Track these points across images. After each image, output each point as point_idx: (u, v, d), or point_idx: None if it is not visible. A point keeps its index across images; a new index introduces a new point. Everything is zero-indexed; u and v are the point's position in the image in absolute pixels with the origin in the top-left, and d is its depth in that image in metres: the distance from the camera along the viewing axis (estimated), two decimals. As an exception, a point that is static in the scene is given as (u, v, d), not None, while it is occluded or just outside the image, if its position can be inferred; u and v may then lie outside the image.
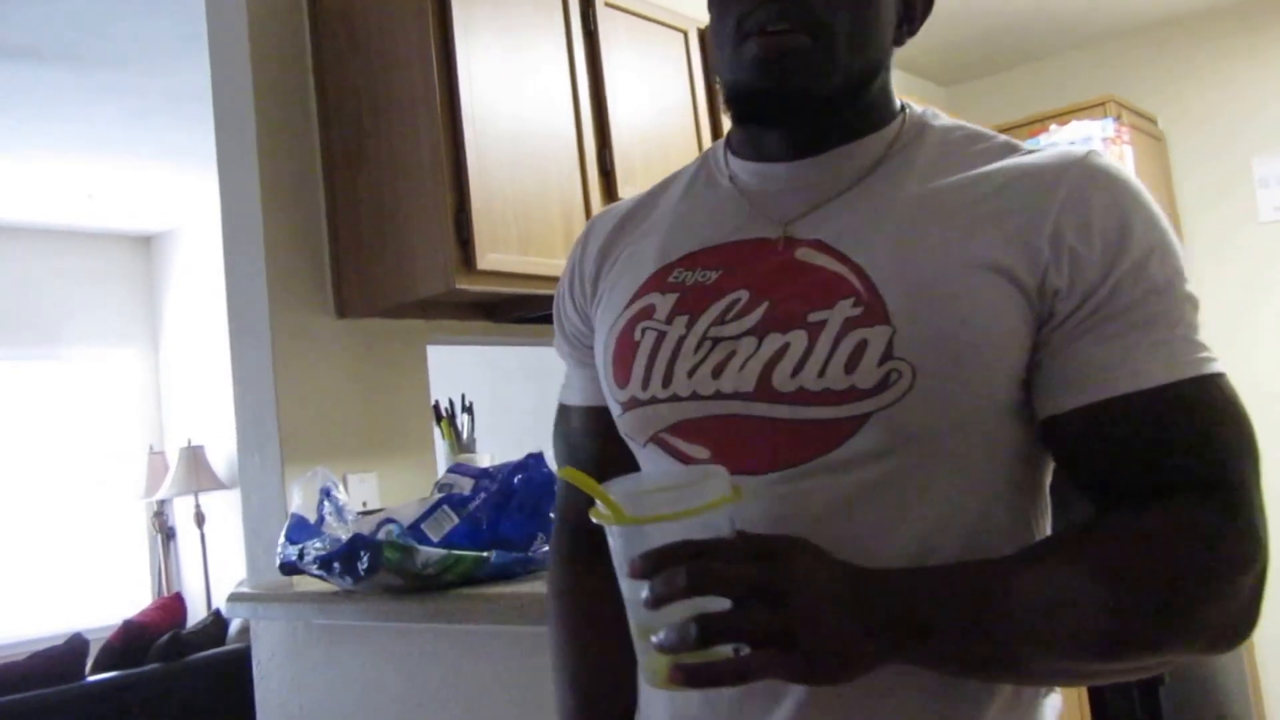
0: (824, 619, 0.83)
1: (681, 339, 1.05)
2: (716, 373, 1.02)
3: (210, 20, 2.79)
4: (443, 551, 1.97)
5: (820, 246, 1.03)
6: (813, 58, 1.02)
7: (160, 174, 6.37)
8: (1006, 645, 0.90)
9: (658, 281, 1.10)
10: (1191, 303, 0.97)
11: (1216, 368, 0.96)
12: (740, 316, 1.03)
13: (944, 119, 1.12)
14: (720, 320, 1.04)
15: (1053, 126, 4.34)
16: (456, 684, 2.08)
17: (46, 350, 7.18)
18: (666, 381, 1.05)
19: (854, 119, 1.08)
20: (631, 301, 1.12)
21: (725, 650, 0.81)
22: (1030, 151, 1.04)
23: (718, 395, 1.02)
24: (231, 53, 2.70)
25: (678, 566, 0.81)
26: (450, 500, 2.12)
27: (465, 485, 2.18)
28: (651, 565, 0.82)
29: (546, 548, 2.06)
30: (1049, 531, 1.08)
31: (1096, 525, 0.96)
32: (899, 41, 1.11)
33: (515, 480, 2.12)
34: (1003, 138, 1.07)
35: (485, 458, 2.86)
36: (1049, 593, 0.89)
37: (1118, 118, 4.51)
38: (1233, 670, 4.24)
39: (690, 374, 1.04)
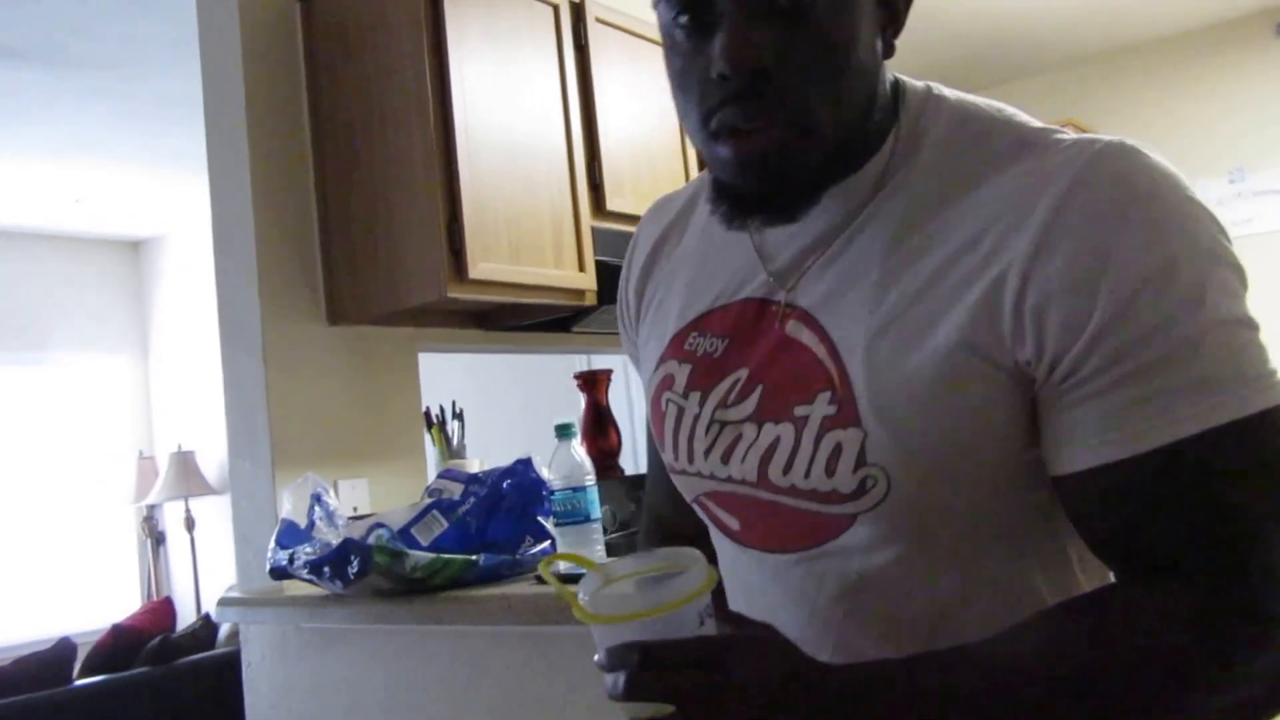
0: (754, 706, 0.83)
1: (696, 418, 1.08)
2: (725, 458, 1.05)
3: (201, 24, 2.79)
4: (431, 555, 2.00)
5: (805, 319, 1.00)
6: (797, 149, 0.94)
7: (149, 179, 6.35)
8: None
9: (676, 348, 1.12)
10: (1213, 329, 0.84)
11: (1241, 411, 0.82)
12: (740, 401, 1.04)
13: (949, 107, 1.04)
14: (724, 403, 1.05)
15: (1014, 148, 4.48)
16: (446, 685, 2.11)
17: (35, 355, 7.18)
18: (690, 458, 1.09)
19: (851, 155, 0.99)
20: (658, 366, 1.15)
21: None
22: (1041, 149, 0.95)
23: (729, 480, 1.05)
24: (223, 57, 2.72)
25: (620, 672, 0.85)
26: (440, 505, 2.15)
27: (455, 490, 2.21)
28: (606, 664, 0.87)
29: (534, 550, 2.10)
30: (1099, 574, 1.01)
31: (1078, 613, 0.89)
32: (888, 53, 1.01)
33: (504, 485, 2.15)
34: (1014, 135, 0.99)
35: (475, 463, 2.89)
36: (1007, 703, 0.85)
37: (1076, 140, 4.69)
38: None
39: (706, 455, 1.07)
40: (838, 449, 0.95)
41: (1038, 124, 1.01)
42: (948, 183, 0.97)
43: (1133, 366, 0.84)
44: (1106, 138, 0.93)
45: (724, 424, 1.05)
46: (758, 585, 1.08)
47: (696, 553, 0.90)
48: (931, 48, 5.23)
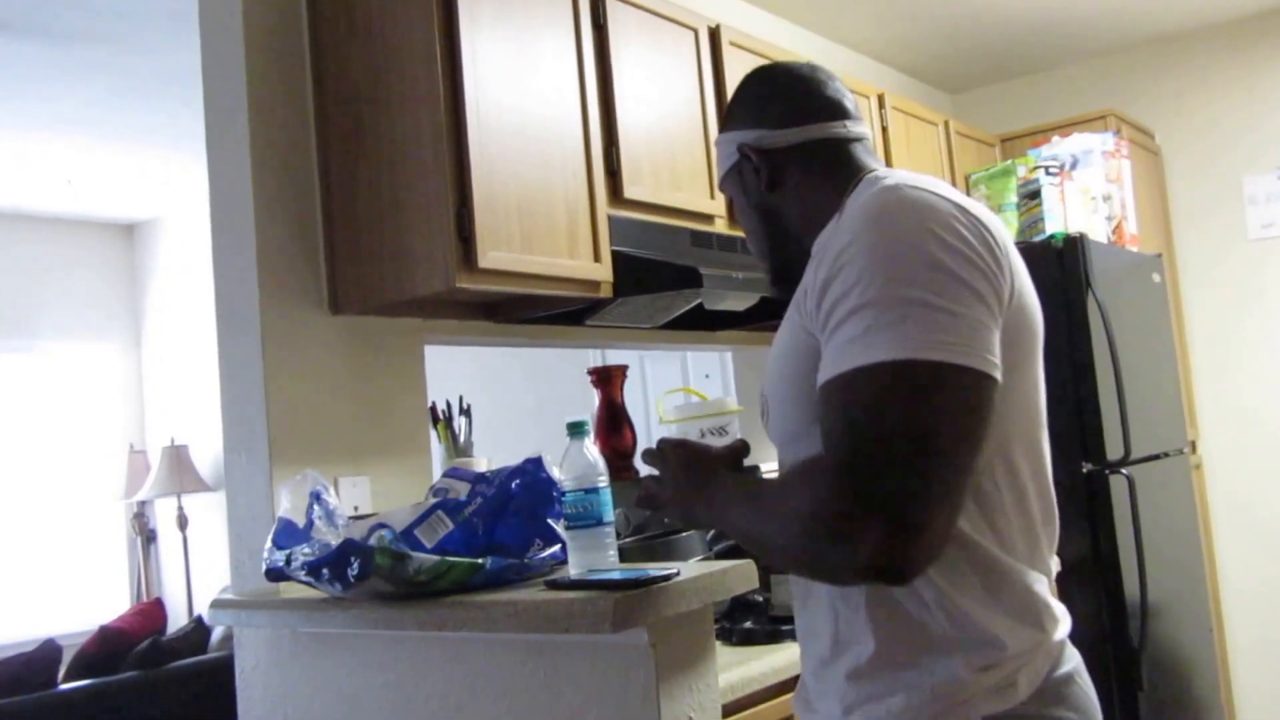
0: (665, 486, 1.68)
1: None
2: None
3: (201, -4, 2.79)
4: (436, 558, 1.99)
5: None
6: (763, 271, 1.83)
7: (144, 159, 6.37)
8: (729, 530, 1.59)
9: None
10: (865, 307, 1.35)
11: (854, 364, 1.33)
12: None
13: (867, 187, 1.57)
14: None
15: (1055, 138, 4.50)
16: (448, 694, 2.11)
17: (21, 343, 7.21)
18: None
19: (802, 257, 1.60)
20: None
21: None
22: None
23: None
24: (223, 31, 2.71)
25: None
26: (445, 505, 2.15)
27: (461, 490, 2.21)
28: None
29: (543, 554, 2.09)
30: None
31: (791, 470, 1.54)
32: (779, 188, 1.71)
33: (513, 485, 2.15)
34: (864, 196, 1.52)
35: (482, 462, 2.89)
36: (742, 513, 1.52)
37: (1117, 131, 4.74)
38: (1207, 677, 4.35)
39: None
40: (761, 389, 1.69)
41: (892, 183, 1.51)
42: (829, 228, 1.55)
43: (830, 327, 1.39)
44: (883, 184, 1.52)
45: None
46: None
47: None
48: (969, 34, 5.21)
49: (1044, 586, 1.54)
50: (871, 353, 1.31)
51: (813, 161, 1.68)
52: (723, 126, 1.79)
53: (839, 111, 1.70)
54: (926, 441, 1.28)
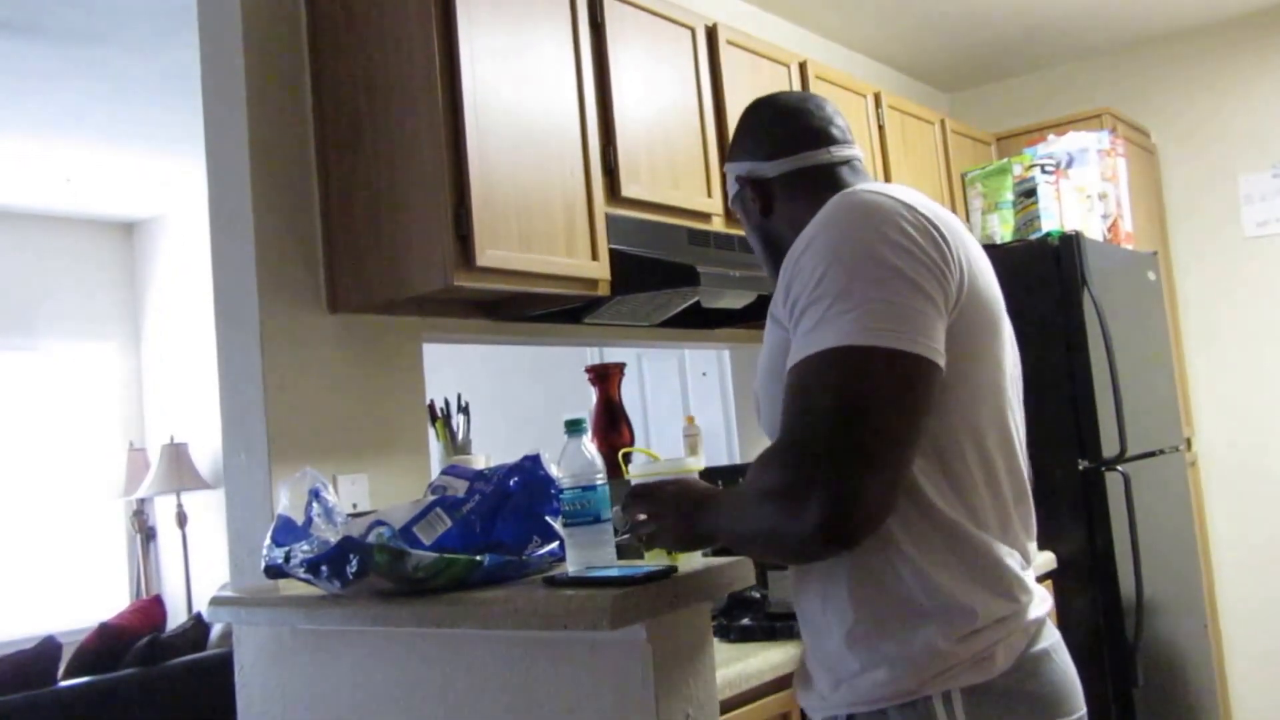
0: (666, 517, 1.77)
1: None
2: None
3: (201, -4, 2.79)
4: (434, 555, 1.99)
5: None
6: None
7: (143, 157, 6.37)
8: (729, 540, 1.69)
9: None
10: (816, 302, 1.50)
11: (804, 354, 1.48)
12: None
13: (834, 197, 1.68)
14: None
15: (1051, 136, 4.50)
16: (446, 691, 2.11)
17: (21, 341, 7.20)
18: None
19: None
20: None
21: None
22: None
23: None
24: (222, 30, 2.71)
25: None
26: (443, 502, 2.15)
27: (459, 487, 2.21)
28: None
29: (541, 551, 2.09)
30: None
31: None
32: (770, 212, 1.88)
33: (511, 483, 2.15)
34: (822, 210, 1.64)
35: (480, 459, 2.89)
36: (727, 517, 1.66)
37: (1113, 130, 4.76)
38: (1203, 673, 4.37)
39: None
40: (754, 386, 1.81)
41: (850, 191, 1.67)
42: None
43: (793, 324, 1.54)
44: (842, 192, 1.68)
45: None
46: None
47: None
48: (965, 32, 5.21)
49: (1016, 561, 1.63)
50: (817, 343, 1.47)
51: (799, 187, 1.84)
52: (728, 157, 1.97)
53: (824, 139, 1.85)
54: (857, 417, 1.42)
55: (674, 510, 1.76)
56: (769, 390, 1.68)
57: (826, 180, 1.82)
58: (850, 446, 1.40)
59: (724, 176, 2.00)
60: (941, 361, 1.49)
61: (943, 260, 1.53)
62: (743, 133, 1.94)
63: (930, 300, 1.50)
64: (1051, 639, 1.64)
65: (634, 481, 1.91)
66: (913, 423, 1.46)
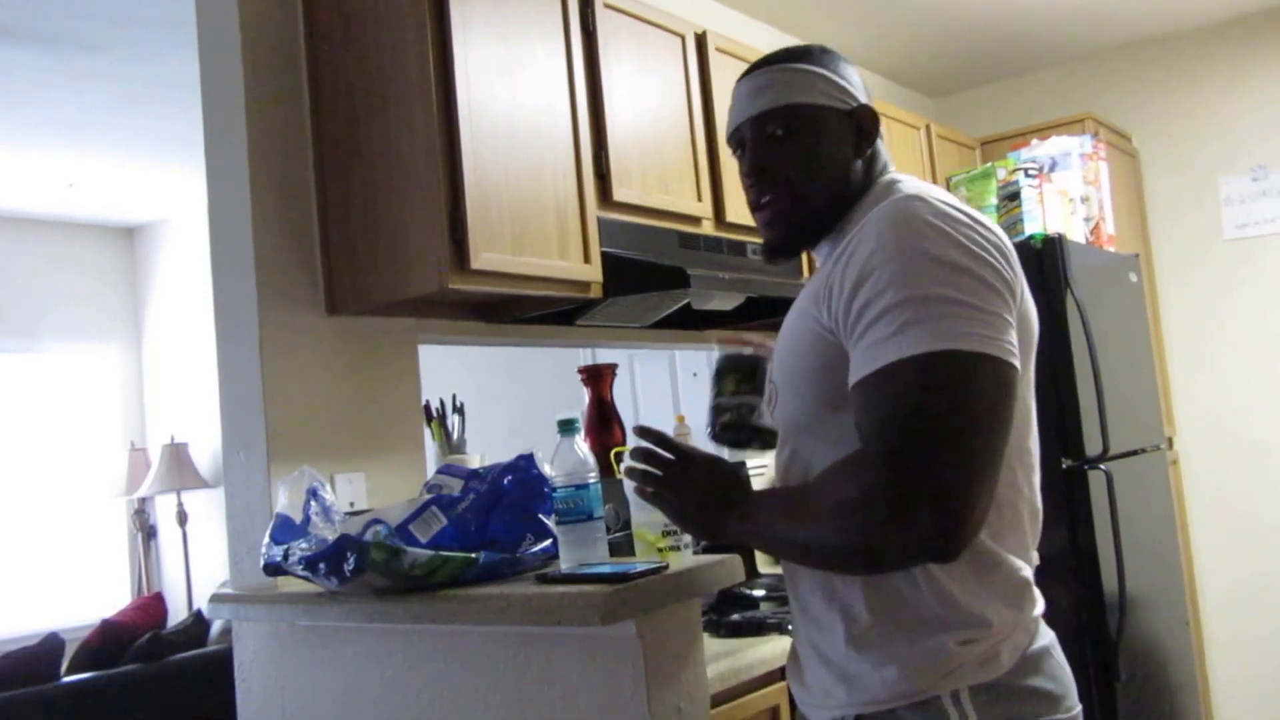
0: (689, 500, 1.70)
1: None
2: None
3: (199, 5, 2.78)
4: (430, 552, 2.00)
5: (790, 308, 1.74)
6: (789, 212, 1.72)
7: (144, 164, 6.36)
8: (766, 543, 1.70)
9: None
10: (897, 307, 1.41)
11: (890, 358, 1.40)
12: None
13: (885, 189, 1.68)
14: None
15: (1034, 141, 4.52)
16: (442, 686, 2.11)
17: (24, 343, 7.19)
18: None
19: (834, 219, 1.72)
20: None
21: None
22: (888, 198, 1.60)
23: None
24: (221, 39, 2.71)
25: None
26: (439, 501, 2.15)
27: (454, 486, 2.21)
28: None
29: (535, 548, 2.10)
30: None
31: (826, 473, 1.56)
32: (860, 153, 1.72)
33: (505, 481, 2.15)
34: (890, 199, 1.58)
35: (475, 458, 2.89)
36: (780, 522, 1.59)
37: (1095, 134, 4.78)
38: (1184, 668, 4.38)
39: None
40: (769, 375, 1.77)
41: (912, 193, 1.58)
42: (853, 228, 1.59)
43: (860, 328, 1.45)
44: (906, 194, 1.58)
45: None
46: None
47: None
48: (950, 39, 5.23)
49: (1028, 574, 1.62)
50: (908, 347, 1.38)
51: (869, 139, 1.73)
52: (815, 63, 1.74)
53: None
54: (967, 427, 1.36)
55: (698, 498, 1.69)
56: (791, 382, 1.65)
57: (878, 145, 1.76)
58: (962, 459, 1.35)
59: (781, 80, 1.71)
60: (1020, 370, 1.46)
61: (1010, 273, 1.50)
62: (835, 60, 1.75)
63: (1010, 310, 1.46)
64: (1049, 637, 1.64)
65: (672, 434, 1.82)
66: (1008, 433, 1.42)
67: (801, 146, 1.70)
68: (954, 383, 1.37)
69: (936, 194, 1.56)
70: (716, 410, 2.05)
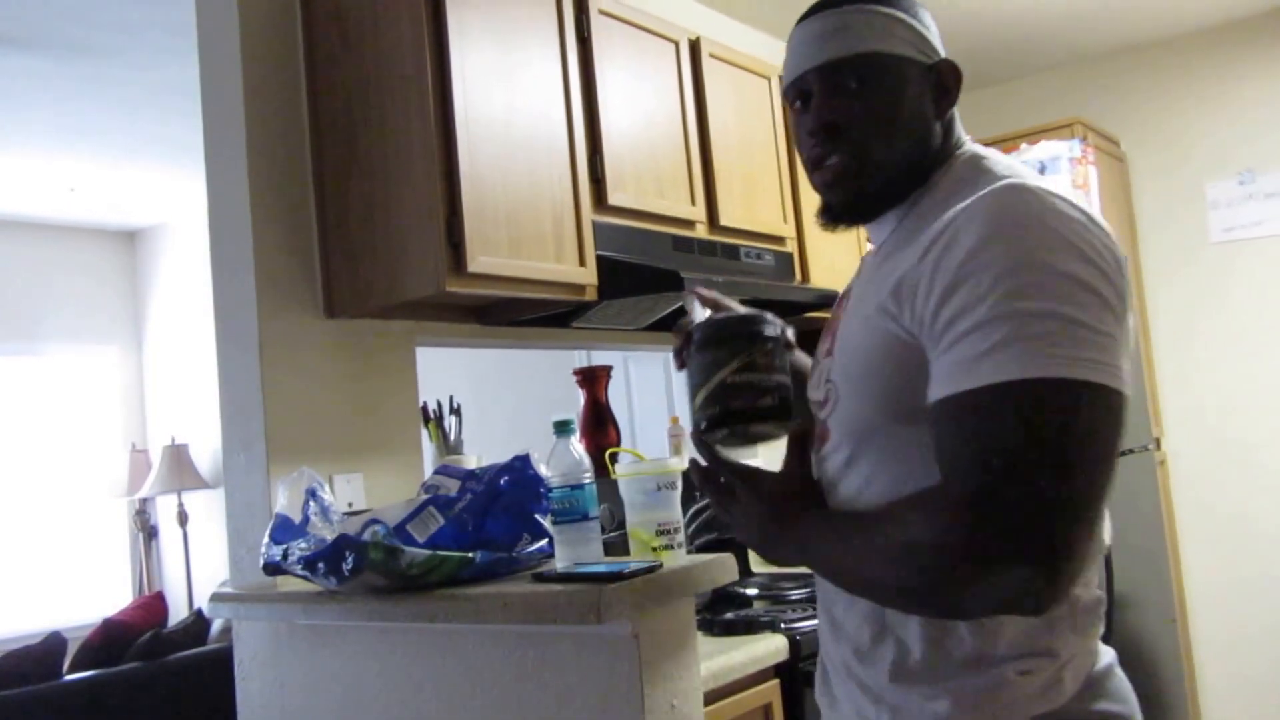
0: (742, 517, 1.49)
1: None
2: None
3: (200, 12, 2.79)
4: (428, 552, 2.00)
5: (843, 305, 1.57)
6: (856, 173, 1.47)
7: (145, 168, 6.35)
8: (823, 571, 1.46)
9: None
10: (996, 320, 1.19)
11: (984, 380, 1.18)
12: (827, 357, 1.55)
13: (969, 162, 1.49)
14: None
15: (1024, 145, 4.52)
16: (440, 684, 2.12)
17: (26, 346, 7.18)
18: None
19: (903, 186, 1.49)
20: None
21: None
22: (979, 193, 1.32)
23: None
24: (221, 46, 2.71)
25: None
26: (436, 501, 2.15)
27: (452, 486, 2.21)
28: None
29: (531, 548, 2.10)
30: None
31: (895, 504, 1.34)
32: (941, 115, 1.53)
33: (502, 481, 2.15)
34: (984, 182, 1.35)
35: (472, 459, 2.89)
36: (840, 552, 1.37)
37: (1084, 139, 4.79)
38: (1171, 667, 4.39)
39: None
40: (822, 371, 1.53)
41: (1012, 177, 1.36)
42: (936, 211, 1.37)
43: (951, 337, 1.23)
44: (1010, 182, 1.31)
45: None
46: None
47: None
48: (948, 41, 5.20)
49: (1100, 591, 1.44)
50: (1009, 368, 1.17)
51: (950, 99, 1.55)
52: (895, 5, 1.52)
53: None
54: (1072, 471, 1.15)
55: (757, 520, 1.47)
56: (855, 385, 1.41)
57: (957, 122, 1.58)
58: (1065, 509, 1.14)
59: (858, 23, 1.47)
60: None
61: (1124, 284, 1.26)
62: (917, 9, 1.55)
63: (1124, 330, 1.23)
64: (1110, 654, 1.46)
65: (730, 456, 1.52)
66: (1114, 473, 1.19)
67: (880, 103, 1.47)
68: (1057, 418, 1.16)
69: (1045, 183, 1.32)
70: (722, 392, 1.49)
